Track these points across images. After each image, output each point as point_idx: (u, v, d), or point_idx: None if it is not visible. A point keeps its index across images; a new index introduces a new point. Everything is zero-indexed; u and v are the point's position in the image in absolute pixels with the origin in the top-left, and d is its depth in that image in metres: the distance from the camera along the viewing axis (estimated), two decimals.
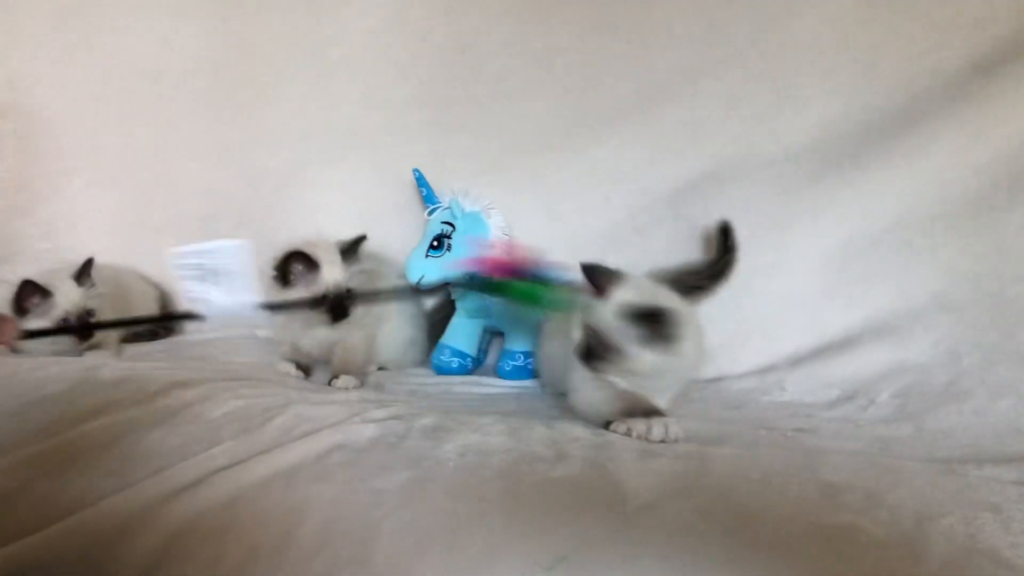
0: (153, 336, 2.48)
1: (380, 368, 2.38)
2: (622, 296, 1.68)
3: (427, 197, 2.43)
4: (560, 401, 2.05)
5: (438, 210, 2.40)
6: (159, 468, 1.36)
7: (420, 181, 2.44)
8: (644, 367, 1.65)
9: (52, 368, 1.70)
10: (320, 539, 1.24)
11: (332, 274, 2.10)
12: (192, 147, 2.71)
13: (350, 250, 2.16)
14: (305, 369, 2.19)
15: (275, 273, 2.10)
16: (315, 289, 2.09)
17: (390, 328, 2.38)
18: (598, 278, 1.70)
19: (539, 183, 2.49)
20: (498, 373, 2.33)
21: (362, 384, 2.13)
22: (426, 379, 2.30)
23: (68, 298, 2.10)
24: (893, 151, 2.18)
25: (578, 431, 1.55)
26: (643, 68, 2.39)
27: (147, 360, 1.98)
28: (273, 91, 2.69)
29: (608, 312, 1.66)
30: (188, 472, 1.34)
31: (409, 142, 2.58)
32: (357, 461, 1.38)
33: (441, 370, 2.38)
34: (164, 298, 2.61)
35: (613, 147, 2.42)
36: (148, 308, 2.52)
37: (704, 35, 2.33)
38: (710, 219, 2.28)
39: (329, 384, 2.07)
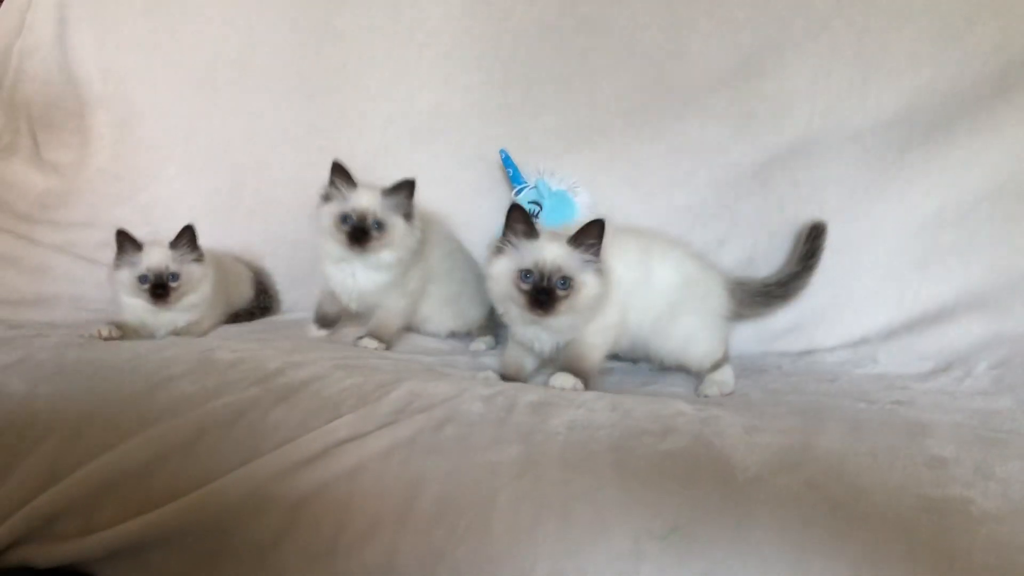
0: (250, 316, 2.58)
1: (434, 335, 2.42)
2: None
3: (513, 177, 2.46)
4: (652, 377, 2.09)
5: (524, 190, 2.44)
6: (283, 441, 1.44)
7: (506, 161, 2.47)
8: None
9: (170, 351, 1.78)
10: (439, 509, 1.31)
11: (362, 198, 2.11)
12: (281, 133, 2.78)
13: (395, 189, 2.13)
14: (330, 323, 2.29)
15: (323, 190, 2.14)
16: (344, 206, 2.10)
17: (432, 301, 2.38)
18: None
19: (624, 160, 2.50)
20: None
21: (388, 348, 2.20)
22: None
23: (152, 256, 2.16)
24: (986, 120, 2.16)
25: (681, 405, 1.57)
26: (728, 42, 2.38)
27: (251, 341, 2.05)
28: (357, 76, 2.73)
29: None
30: (311, 445, 1.42)
31: (492, 123, 2.61)
32: (469, 435, 1.43)
33: None
34: (257, 279, 2.69)
35: (698, 122, 2.42)
36: (243, 289, 2.61)
37: (789, 6, 2.32)
38: (799, 193, 2.29)
39: (354, 343, 2.18)
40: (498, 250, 1.79)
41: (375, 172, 2.69)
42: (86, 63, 2.86)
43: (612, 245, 1.78)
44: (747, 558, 1.16)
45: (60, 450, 1.50)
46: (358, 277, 2.19)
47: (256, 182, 2.80)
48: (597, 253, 1.74)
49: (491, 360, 2.14)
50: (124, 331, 2.08)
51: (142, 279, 2.15)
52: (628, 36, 2.48)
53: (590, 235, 1.73)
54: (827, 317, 2.24)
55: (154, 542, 1.39)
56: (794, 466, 1.31)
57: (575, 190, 2.41)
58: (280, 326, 2.48)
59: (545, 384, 1.80)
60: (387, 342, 2.21)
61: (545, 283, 1.71)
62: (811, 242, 2.14)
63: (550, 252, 1.72)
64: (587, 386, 1.79)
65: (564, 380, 1.77)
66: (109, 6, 2.90)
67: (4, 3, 2.95)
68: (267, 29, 2.80)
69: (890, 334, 2.16)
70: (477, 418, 1.48)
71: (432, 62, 2.67)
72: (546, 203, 2.38)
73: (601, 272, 1.75)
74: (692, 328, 1.91)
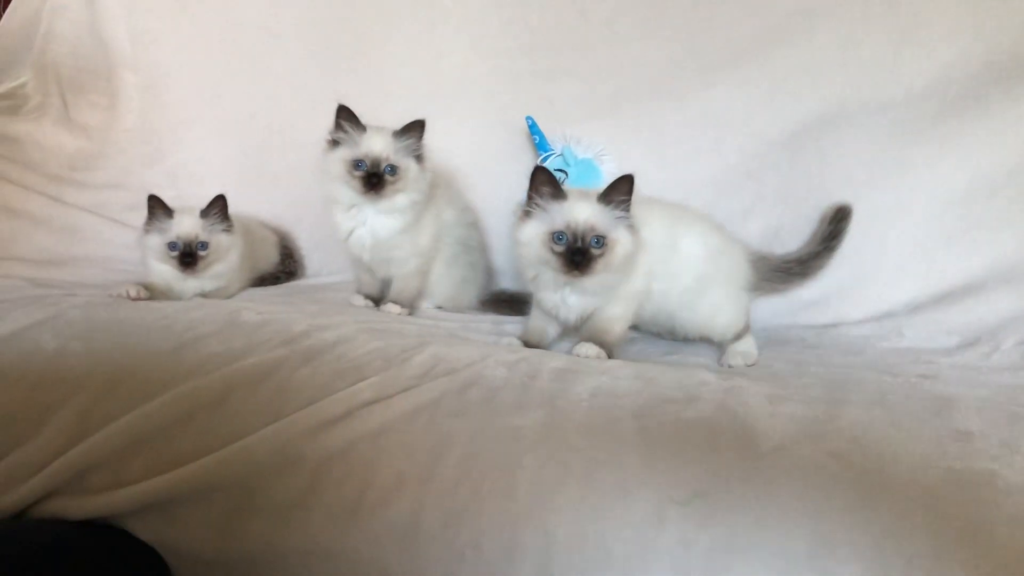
0: (276, 280, 2.59)
1: (437, 307, 2.39)
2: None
3: (539, 144, 2.45)
4: (674, 347, 2.09)
5: (551, 157, 2.43)
6: (309, 402, 1.45)
7: (533, 128, 2.46)
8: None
9: (198, 312, 1.80)
10: (463, 470, 1.32)
11: (375, 142, 2.08)
12: (307, 97, 2.76)
13: (406, 131, 2.11)
14: (375, 301, 2.27)
15: (329, 135, 2.12)
16: (356, 152, 2.08)
17: (442, 268, 2.36)
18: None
19: (650, 128, 2.48)
20: None
21: (410, 313, 2.21)
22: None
23: (182, 224, 2.18)
24: (1021, 91, 2.11)
25: (706, 375, 1.58)
26: (758, 9, 2.35)
27: (277, 304, 2.07)
28: (383, 41, 2.72)
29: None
30: (337, 406, 1.43)
31: (518, 89, 2.59)
32: (493, 399, 1.44)
33: None
34: (283, 243, 2.71)
35: (726, 90, 2.39)
36: (269, 253, 2.62)
37: None
38: (826, 164, 2.27)
39: (377, 308, 2.20)
40: (526, 214, 1.77)
41: None
42: (115, 24, 2.87)
43: (638, 214, 1.78)
44: (769, 526, 1.16)
45: (91, 405, 1.52)
46: (370, 223, 2.17)
47: (281, 146, 2.81)
48: (627, 209, 1.73)
49: (513, 327, 2.14)
50: (152, 293, 2.10)
51: (171, 246, 2.17)
52: (655, 4, 2.46)
53: (620, 191, 1.72)
54: (853, 290, 2.22)
55: (182, 497, 1.41)
56: (818, 436, 1.31)
57: (601, 158, 2.40)
58: (305, 290, 2.50)
59: (568, 353, 1.81)
60: (409, 307, 2.22)
61: (579, 243, 1.70)
62: (835, 224, 2.13)
63: (581, 212, 1.71)
64: (610, 355, 1.80)
65: (588, 349, 1.78)
66: None
67: None
68: None
69: (916, 308, 2.15)
70: (501, 383, 1.49)
71: (458, 27, 2.66)
72: (572, 171, 2.37)
73: (633, 228, 1.75)
74: (717, 299, 1.91)
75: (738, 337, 1.94)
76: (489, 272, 2.51)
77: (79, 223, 2.60)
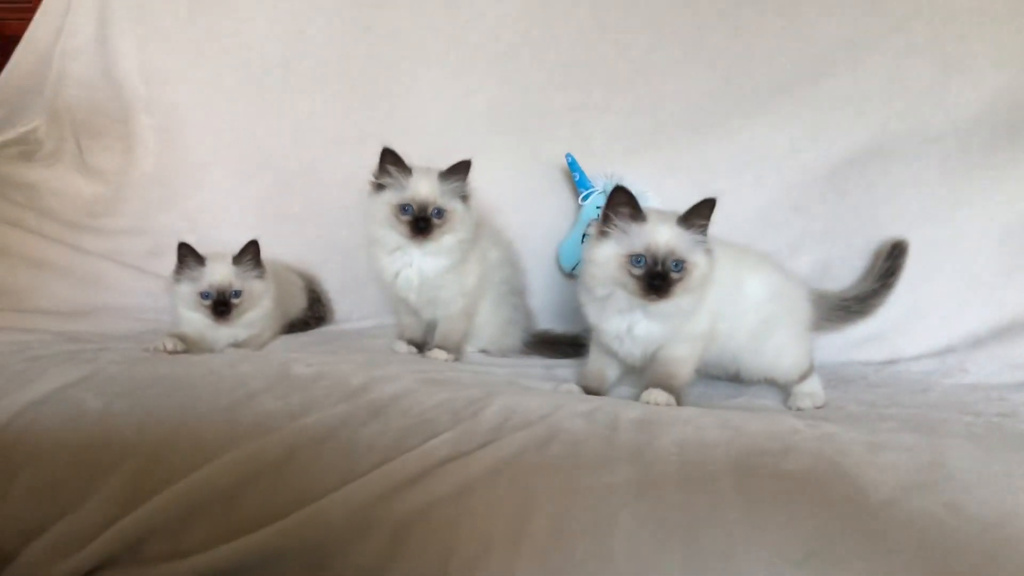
0: (305, 326, 2.52)
1: (482, 351, 2.32)
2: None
3: (580, 182, 2.40)
4: (737, 389, 2.02)
5: (592, 195, 2.38)
6: (380, 461, 1.37)
7: (572, 166, 2.41)
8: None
9: (245, 366, 1.73)
10: (554, 532, 1.24)
11: (421, 186, 2.03)
12: (331, 137, 2.71)
13: (452, 172, 2.06)
14: (419, 346, 2.20)
15: (374, 178, 2.07)
16: (403, 196, 2.03)
17: (488, 309, 2.30)
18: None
19: (691, 163, 2.44)
20: None
21: (456, 359, 2.15)
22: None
23: (216, 272, 2.11)
24: None
25: (793, 422, 1.51)
26: (799, 42, 2.33)
27: (323, 354, 1.99)
28: (410, 78, 2.67)
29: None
30: (411, 464, 1.35)
31: (552, 125, 2.55)
32: (577, 453, 1.37)
33: None
34: (310, 288, 2.63)
35: (768, 124, 2.36)
36: (297, 299, 2.54)
37: (864, 5, 2.27)
38: (875, 198, 2.23)
39: (422, 354, 2.14)
40: (602, 234, 1.71)
41: None
42: (128, 66, 2.81)
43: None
44: None
45: (143, 470, 1.43)
46: (417, 264, 2.12)
47: (305, 187, 2.73)
48: (705, 232, 1.69)
49: (565, 372, 2.07)
50: (187, 344, 2.02)
51: (204, 295, 2.10)
52: (693, 36, 2.43)
53: (701, 214, 1.68)
54: (909, 325, 2.18)
55: (249, 567, 1.32)
56: (928, 486, 1.25)
57: (644, 195, 2.34)
58: (341, 336, 2.42)
59: (635, 399, 1.74)
60: (455, 352, 2.15)
61: (659, 267, 1.64)
62: (892, 260, 2.10)
63: (662, 235, 1.66)
64: (679, 401, 1.73)
65: (657, 396, 1.71)
66: (151, 7, 2.85)
67: (42, 4, 2.90)
68: (316, 29, 2.74)
69: (977, 342, 2.10)
70: (582, 435, 1.42)
71: (489, 62, 2.61)
72: None
73: (710, 252, 1.70)
74: (782, 340, 1.85)
75: (803, 378, 1.88)
76: (529, 313, 2.43)
77: (100, 271, 2.51)
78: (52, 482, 1.45)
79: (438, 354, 2.11)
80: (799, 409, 1.81)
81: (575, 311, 2.08)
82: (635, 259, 1.66)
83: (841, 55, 2.29)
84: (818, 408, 1.81)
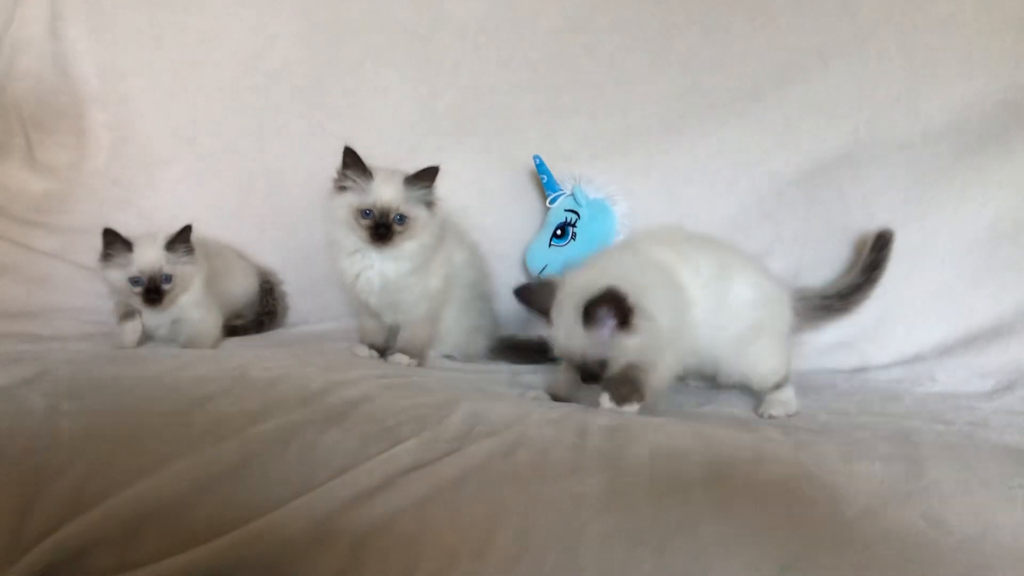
0: (259, 327, 2.45)
1: (446, 356, 2.26)
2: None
3: (548, 184, 2.36)
4: (707, 396, 1.99)
5: (560, 198, 2.34)
6: (341, 470, 1.32)
7: (540, 168, 2.36)
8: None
9: (200, 367, 1.67)
10: (521, 544, 1.19)
11: (384, 190, 1.97)
12: (292, 136, 2.64)
13: (418, 178, 1.99)
14: (381, 351, 2.15)
15: (335, 176, 2.02)
16: (364, 200, 1.97)
17: (453, 313, 2.24)
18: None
19: (662, 167, 2.41)
20: None
21: (420, 364, 2.10)
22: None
23: (144, 257, 2.07)
24: None
25: (766, 430, 1.48)
26: (770, 47, 2.31)
27: (282, 358, 1.92)
28: (375, 77, 2.61)
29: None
30: (373, 474, 1.30)
31: (521, 128, 2.50)
32: (545, 462, 1.32)
33: None
34: (263, 278, 2.56)
35: (739, 129, 2.34)
36: (241, 280, 2.49)
37: (835, 12, 2.26)
38: (846, 204, 2.22)
39: (383, 358, 2.09)
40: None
41: None
42: (82, 59, 2.70)
43: (685, 262, 1.73)
44: None
45: (89, 475, 1.36)
46: (378, 266, 2.05)
47: (266, 187, 2.66)
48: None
49: (532, 378, 2.02)
50: None
51: (134, 281, 2.05)
52: (664, 39, 2.40)
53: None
54: (879, 333, 2.17)
55: None
56: (905, 497, 1.22)
57: (613, 198, 2.32)
58: (300, 339, 2.35)
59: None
60: (418, 357, 2.09)
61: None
62: (877, 252, 2.05)
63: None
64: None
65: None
66: (106, 1, 2.76)
67: None
68: (279, 25, 2.67)
69: (946, 351, 2.09)
70: (550, 443, 1.38)
71: (456, 63, 2.56)
72: (583, 211, 2.28)
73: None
74: (764, 347, 1.82)
75: (778, 386, 1.85)
76: (495, 319, 2.38)
77: (49, 271, 2.41)
78: None
79: (400, 358, 2.05)
80: (771, 416, 1.77)
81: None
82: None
83: (812, 61, 2.27)
84: (790, 416, 1.78)
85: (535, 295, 1.72)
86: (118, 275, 2.06)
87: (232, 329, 2.36)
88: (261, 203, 2.67)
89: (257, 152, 2.68)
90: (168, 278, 2.09)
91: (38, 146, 2.65)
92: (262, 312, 2.51)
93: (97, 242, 2.49)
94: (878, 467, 1.30)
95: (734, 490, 1.24)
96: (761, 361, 1.82)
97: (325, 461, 1.34)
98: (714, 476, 1.27)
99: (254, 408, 1.47)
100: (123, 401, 1.51)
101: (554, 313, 1.65)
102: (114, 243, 2.05)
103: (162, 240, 2.11)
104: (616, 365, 1.62)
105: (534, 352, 2.17)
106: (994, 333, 2.06)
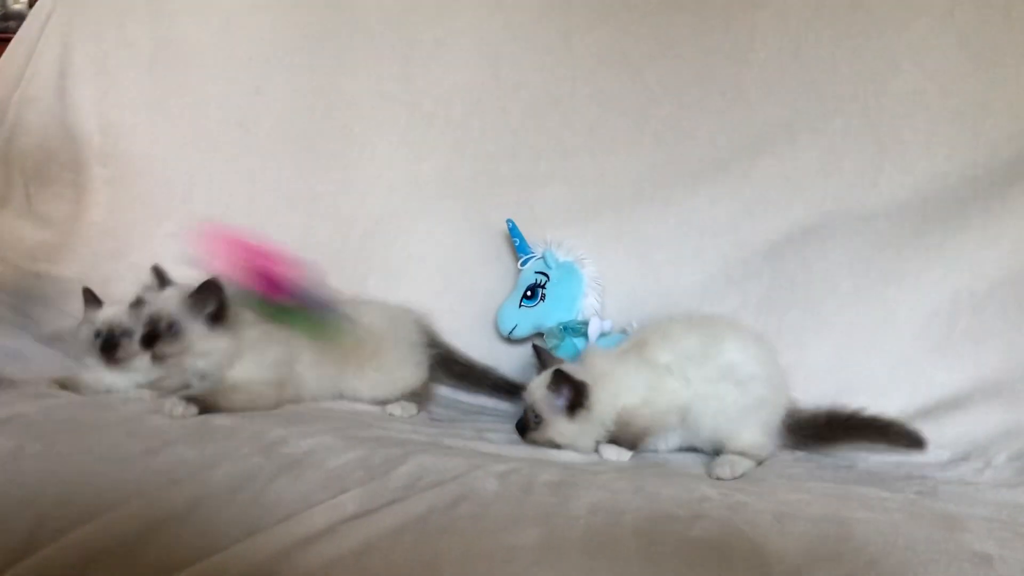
0: None
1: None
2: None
3: (520, 247, 2.43)
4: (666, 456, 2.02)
5: (531, 260, 2.40)
6: (287, 515, 1.34)
7: (513, 231, 2.44)
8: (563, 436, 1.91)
9: (160, 416, 1.72)
10: None
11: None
12: (283, 195, 2.73)
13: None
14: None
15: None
16: None
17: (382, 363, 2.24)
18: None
19: (631, 234, 2.47)
20: None
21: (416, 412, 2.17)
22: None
23: (108, 312, 2.09)
24: (999, 206, 2.14)
25: (706, 490, 1.51)
26: (739, 121, 2.39)
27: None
28: (363, 141, 2.71)
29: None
30: (317, 519, 1.32)
31: (499, 193, 2.58)
32: (485, 515, 1.35)
33: None
34: None
35: (708, 199, 2.40)
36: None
37: (803, 89, 2.33)
38: (810, 274, 2.27)
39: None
40: None
41: (378, 238, 2.68)
42: (86, 118, 2.84)
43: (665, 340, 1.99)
44: None
45: (45, 515, 1.39)
46: None
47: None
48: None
49: (497, 436, 2.05)
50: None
51: (96, 335, 2.07)
52: (640, 111, 2.48)
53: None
54: (839, 402, 2.18)
55: None
56: (833, 558, 1.24)
57: (582, 261, 2.38)
58: None
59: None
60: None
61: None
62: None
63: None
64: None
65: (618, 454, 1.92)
66: (112, 61, 2.89)
67: (5, 52, 2.93)
68: (274, 89, 2.79)
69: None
70: (492, 497, 1.41)
71: (441, 130, 2.65)
72: (553, 273, 2.35)
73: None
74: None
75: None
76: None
77: (41, 318, 2.49)
78: None
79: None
80: (718, 478, 1.79)
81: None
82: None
83: (780, 135, 2.34)
84: (735, 478, 1.80)
85: (544, 354, 2.09)
86: (85, 330, 2.09)
87: None
88: None
89: (248, 210, 2.76)
90: (128, 333, 2.06)
91: (37, 198, 2.77)
92: None
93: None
94: (809, 528, 1.32)
95: (664, 546, 1.27)
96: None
97: (271, 507, 1.37)
98: (647, 532, 1.30)
99: (210, 454, 1.50)
100: (86, 443, 1.55)
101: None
102: (89, 302, 2.12)
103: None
104: (546, 431, 1.91)
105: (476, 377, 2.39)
106: (952, 404, 2.08)
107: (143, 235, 2.78)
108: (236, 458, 1.50)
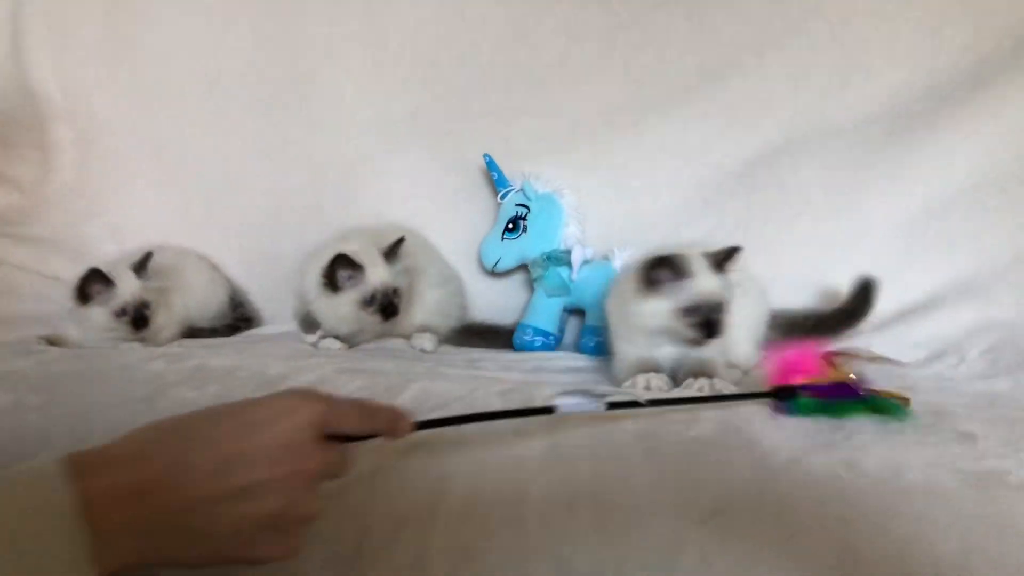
0: (234, 330, 2.50)
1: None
2: None
3: (498, 181, 2.45)
4: None
5: (511, 193, 2.42)
6: None
7: (491, 165, 2.45)
8: None
9: (160, 362, 1.73)
10: (468, 504, 1.25)
11: (377, 275, 2.14)
12: (254, 144, 2.70)
13: (391, 252, 2.18)
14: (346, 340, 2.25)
15: (324, 281, 2.14)
16: (363, 291, 2.13)
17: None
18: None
19: (607, 162, 2.50)
20: (581, 349, 2.32)
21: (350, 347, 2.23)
22: (509, 355, 2.30)
23: (128, 289, 2.14)
24: (963, 115, 2.20)
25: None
26: (707, 43, 2.40)
27: (242, 353, 1.98)
28: (331, 84, 2.68)
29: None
30: None
31: (473, 128, 2.58)
32: (491, 428, 1.39)
33: (524, 348, 2.36)
34: (234, 296, 2.63)
35: (680, 123, 2.43)
36: (215, 292, 2.57)
37: (767, 8, 2.34)
38: (785, 191, 2.31)
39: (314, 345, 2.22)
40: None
41: (353, 181, 2.67)
42: (45, 77, 2.76)
43: None
44: (792, 539, 1.14)
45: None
46: None
47: (229, 196, 2.72)
48: None
49: (487, 363, 2.10)
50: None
51: (120, 313, 2.13)
52: (607, 39, 2.48)
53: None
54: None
55: None
56: (829, 446, 1.30)
57: (561, 192, 2.40)
58: (267, 339, 2.40)
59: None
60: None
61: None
62: (859, 300, 2.11)
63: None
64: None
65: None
66: (65, 19, 2.81)
67: None
68: (236, 39, 2.73)
69: (882, 325, 2.18)
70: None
71: (409, 68, 2.63)
72: (533, 205, 2.37)
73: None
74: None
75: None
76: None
77: (17, 281, 2.47)
78: None
79: (331, 343, 2.22)
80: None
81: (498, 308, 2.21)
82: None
83: (747, 55, 2.37)
84: None
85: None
86: (101, 311, 2.13)
87: (199, 331, 2.43)
88: (225, 212, 2.73)
89: (220, 162, 2.74)
90: (147, 305, 2.18)
91: (1, 161, 2.70)
92: (239, 318, 2.58)
93: (66, 254, 2.56)
94: (803, 423, 1.39)
95: (667, 446, 1.32)
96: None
97: None
98: (648, 434, 1.35)
99: (212, 393, 1.53)
100: (86, 392, 1.56)
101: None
102: (97, 283, 2.12)
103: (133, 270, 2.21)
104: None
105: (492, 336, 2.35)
106: (926, 306, 2.17)
107: (115, 194, 2.75)
108: (239, 395, 1.50)
